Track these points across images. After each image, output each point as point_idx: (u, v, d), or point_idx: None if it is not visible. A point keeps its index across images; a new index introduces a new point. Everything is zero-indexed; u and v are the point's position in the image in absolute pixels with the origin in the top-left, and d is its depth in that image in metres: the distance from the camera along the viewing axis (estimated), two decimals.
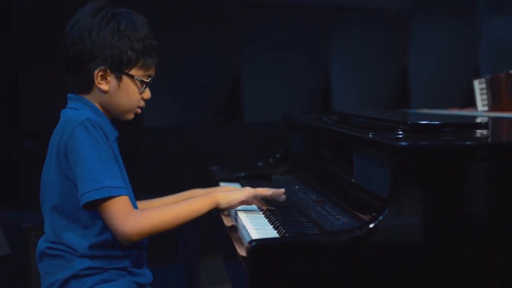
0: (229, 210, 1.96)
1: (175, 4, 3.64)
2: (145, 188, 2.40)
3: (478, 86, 2.96)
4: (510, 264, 1.51)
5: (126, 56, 1.70)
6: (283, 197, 1.92)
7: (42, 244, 1.73)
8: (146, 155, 3.58)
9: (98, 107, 1.74)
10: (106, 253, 1.68)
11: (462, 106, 3.51)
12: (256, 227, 1.72)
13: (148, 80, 1.76)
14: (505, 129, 2.13)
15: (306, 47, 4.08)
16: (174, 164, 3.60)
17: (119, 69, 1.71)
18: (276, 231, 1.68)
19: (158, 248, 3.14)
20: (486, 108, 2.90)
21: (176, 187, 2.05)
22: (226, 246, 1.99)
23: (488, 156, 1.52)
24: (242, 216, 1.83)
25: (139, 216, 1.63)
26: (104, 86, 1.71)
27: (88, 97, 1.74)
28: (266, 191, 1.89)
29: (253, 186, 1.94)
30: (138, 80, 1.74)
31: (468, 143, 1.56)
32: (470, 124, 1.95)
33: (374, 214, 1.48)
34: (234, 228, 1.84)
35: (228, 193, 1.85)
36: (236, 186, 2.37)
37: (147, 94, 1.78)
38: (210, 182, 2.49)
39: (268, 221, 1.78)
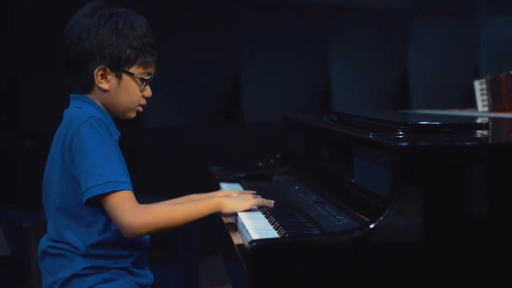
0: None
1: (175, 4, 3.64)
2: (145, 188, 2.40)
3: (479, 86, 2.96)
4: (510, 264, 1.51)
5: (125, 55, 1.71)
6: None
7: (44, 243, 1.73)
8: (146, 155, 3.58)
9: (100, 106, 1.75)
10: (108, 252, 1.68)
11: (462, 106, 3.51)
12: (257, 227, 1.72)
13: (148, 78, 1.77)
14: (505, 129, 2.13)
15: (306, 47, 4.08)
16: (174, 164, 3.60)
17: (119, 68, 1.72)
18: (276, 232, 1.68)
19: (158, 248, 3.14)
20: (486, 109, 2.90)
21: (176, 187, 2.05)
22: (226, 246, 1.99)
23: (488, 156, 1.52)
24: (242, 216, 1.83)
25: (143, 210, 1.63)
26: (104, 85, 1.72)
27: (90, 97, 1.74)
28: (271, 204, 1.90)
29: (253, 186, 1.94)
30: (138, 78, 1.75)
31: (468, 143, 1.55)
32: (470, 125, 1.95)
33: (374, 214, 1.48)
34: (234, 228, 1.84)
35: (232, 200, 1.85)
36: (236, 186, 2.37)
37: (148, 92, 1.79)
38: (210, 182, 2.49)
39: (269, 221, 1.78)
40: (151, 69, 1.78)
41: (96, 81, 1.71)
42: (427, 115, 2.67)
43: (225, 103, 3.87)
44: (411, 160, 1.47)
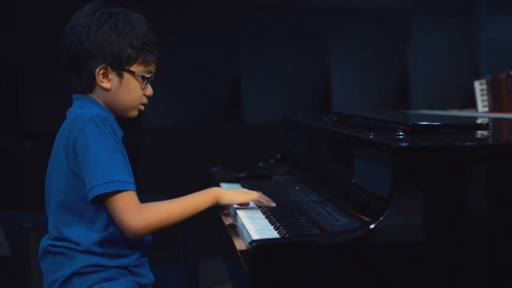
0: (229, 210, 1.97)
1: (175, 4, 3.64)
2: (145, 188, 2.39)
3: (479, 87, 2.96)
4: (510, 264, 1.51)
5: (126, 53, 1.72)
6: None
7: (45, 242, 1.73)
8: (146, 155, 3.58)
9: (103, 105, 1.75)
10: (109, 250, 1.68)
11: (463, 106, 3.51)
12: (257, 227, 1.72)
13: (149, 76, 1.77)
14: (506, 130, 2.13)
15: (306, 47, 4.08)
16: (174, 164, 3.60)
17: (120, 66, 1.73)
18: (276, 232, 1.68)
19: (158, 248, 3.14)
20: (486, 109, 2.90)
21: (176, 187, 2.05)
22: (226, 246, 1.99)
23: (488, 156, 1.53)
24: (242, 216, 1.83)
25: (145, 210, 1.64)
26: (106, 84, 1.73)
27: (92, 96, 1.75)
28: (270, 202, 1.92)
29: (253, 186, 1.95)
30: (139, 76, 1.75)
31: (468, 144, 1.56)
32: (471, 125, 1.95)
33: (374, 214, 1.48)
34: (234, 228, 1.84)
35: (231, 191, 1.89)
36: (237, 186, 2.37)
37: (149, 90, 1.80)
38: (210, 182, 2.49)
39: (269, 221, 1.78)
40: (152, 68, 1.79)
41: (98, 80, 1.72)
42: (427, 115, 2.67)
43: (225, 103, 3.87)
44: (411, 160, 1.47)
